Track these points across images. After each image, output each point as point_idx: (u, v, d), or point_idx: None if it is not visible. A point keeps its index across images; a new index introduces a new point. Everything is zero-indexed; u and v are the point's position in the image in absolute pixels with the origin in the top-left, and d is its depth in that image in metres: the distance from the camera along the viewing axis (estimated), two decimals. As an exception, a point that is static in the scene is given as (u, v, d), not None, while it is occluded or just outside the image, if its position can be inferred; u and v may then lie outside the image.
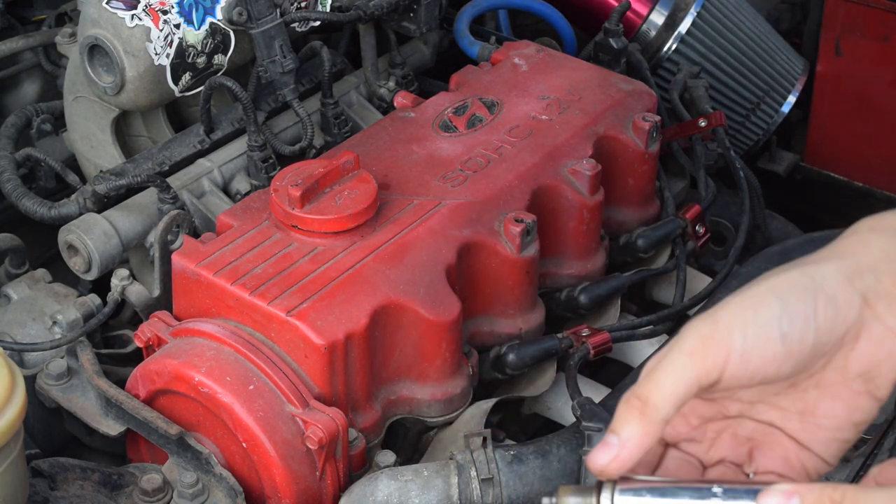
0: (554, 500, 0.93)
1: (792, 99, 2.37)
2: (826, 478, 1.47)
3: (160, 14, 1.63)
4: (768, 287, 0.93)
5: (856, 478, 1.51)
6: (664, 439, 0.99)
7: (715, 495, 0.89)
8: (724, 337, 0.89)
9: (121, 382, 1.48)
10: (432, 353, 1.47)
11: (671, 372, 0.89)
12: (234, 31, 1.71)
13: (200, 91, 1.71)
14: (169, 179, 1.69)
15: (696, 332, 0.90)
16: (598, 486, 0.91)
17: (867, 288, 0.92)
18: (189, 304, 1.49)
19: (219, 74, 1.71)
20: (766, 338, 0.89)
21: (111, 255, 1.64)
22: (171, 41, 1.64)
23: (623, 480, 0.91)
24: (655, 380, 0.89)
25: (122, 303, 1.59)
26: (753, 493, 0.88)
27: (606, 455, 0.90)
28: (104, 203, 1.67)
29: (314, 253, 1.48)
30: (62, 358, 1.52)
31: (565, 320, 1.71)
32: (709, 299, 1.73)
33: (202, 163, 1.76)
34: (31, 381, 1.50)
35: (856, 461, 1.55)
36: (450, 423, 1.52)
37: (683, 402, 0.89)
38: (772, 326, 0.90)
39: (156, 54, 1.63)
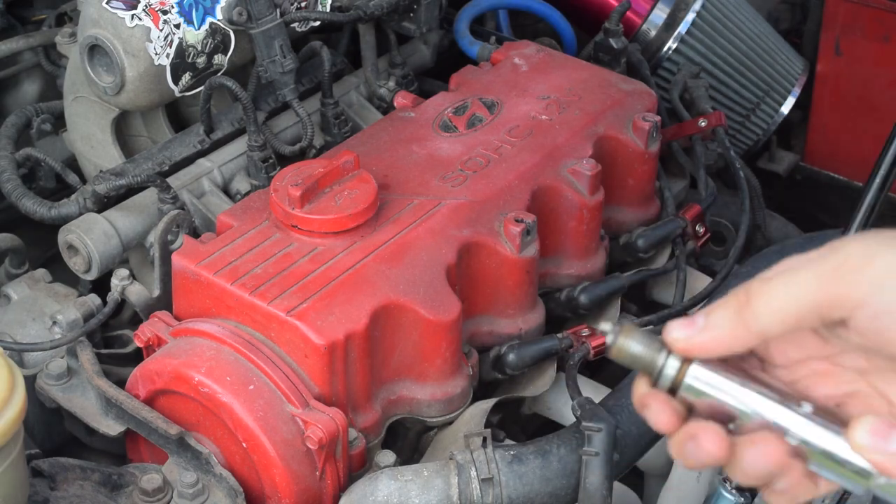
0: (616, 329, 0.84)
1: (792, 99, 2.37)
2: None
3: (160, 14, 1.63)
4: None
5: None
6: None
7: (803, 412, 0.80)
8: (863, 272, 0.76)
9: (121, 382, 1.48)
10: (432, 353, 1.47)
11: (791, 285, 0.77)
12: (234, 31, 1.71)
13: (200, 91, 1.71)
14: (169, 179, 1.69)
15: (838, 255, 0.76)
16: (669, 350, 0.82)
17: None
18: (189, 304, 1.49)
19: (219, 74, 1.71)
20: None
21: (111, 255, 1.64)
22: (171, 41, 1.64)
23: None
24: (771, 286, 0.77)
25: (122, 303, 1.59)
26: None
27: (686, 329, 0.81)
28: (104, 203, 1.67)
29: (314, 253, 1.48)
30: (62, 358, 1.52)
31: (565, 320, 1.71)
32: (708, 299, 1.73)
33: (202, 163, 1.76)
34: (31, 381, 1.50)
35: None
36: (450, 423, 1.52)
37: (793, 326, 0.78)
38: None
39: (156, 54, 1.63)
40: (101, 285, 1.67)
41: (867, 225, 1.59)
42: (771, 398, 0.82)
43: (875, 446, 0.76)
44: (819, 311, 0.77)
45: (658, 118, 1.78)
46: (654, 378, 0.84)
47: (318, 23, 1.82)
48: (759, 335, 0.78)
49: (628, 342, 0.85)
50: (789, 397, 0.82)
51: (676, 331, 0.81)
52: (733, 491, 1.49)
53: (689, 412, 0.84)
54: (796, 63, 2.39)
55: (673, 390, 0.84)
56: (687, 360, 0.82)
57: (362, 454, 1.42)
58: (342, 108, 1.87)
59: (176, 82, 1.67)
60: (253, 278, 1.44)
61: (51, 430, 1.57)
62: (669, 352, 0.83)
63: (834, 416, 0.82)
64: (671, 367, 0.83)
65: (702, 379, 0.82)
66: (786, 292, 0.77)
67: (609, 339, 0.86)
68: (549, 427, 1.63)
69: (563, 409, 1.65)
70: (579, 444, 1.39)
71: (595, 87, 1.83)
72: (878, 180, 1.63)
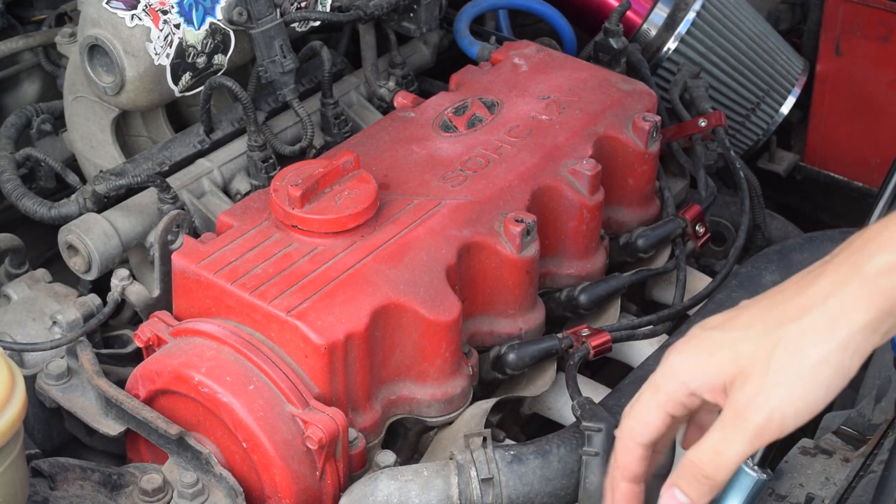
0: None
1: (792, 99, 2.37)
2: (826, 477, 1.48)
3: (160, 14, 1.63)
4: None
5: (856, 477, 1.51)
6: None
7: None
8: None
9: (121, 382, 1.48)
10: (432, 353, 1.47)
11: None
12: (234, 31, 1.71)
13: (200, 91, 1.71)
14: (169, 179, 1.69)
15: None
16: None
17: None
18: (189, 304, 1.49)
19: (219, 74, 1.71)
20: None
21: (111, 255, 1.64)
22: (171, 41, 1.64)
23: None
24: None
25: (122, 303, 1.59)
26: None
27: None
28: (104, 203, 1.67)
29: (314, 253, 1.48)
30: (62, 358, 1.52)
31: (565, 320, 1.71)
32: (708, 299, 1.73)
33: (202, 163, 1.76)
34: (31, 381, 1.50)
35: (856, 461, 1.55)
36: (450, 423, 1.52)
37: None
38: None
39: (156, 54, 1.63)
40: (101, 285, 1.67)
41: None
42: None
43: None
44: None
45: (658, 118, 1.78)
46: None
47: (318, 23, 1.82)
48: None
49: None
50: None
51: None
52: (755, 468, 1.48)
53: None
54: (796, 63, 2.39)
55: None
56: None
57: (362, 454, 1.42)
58: (342, 108, 1.87)
59: (176, 82, 1.67)
60: (253, 278, 1.44)
61: (51, 430, 1.57)
62: None
63: None
64: None
65: None
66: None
67: None
68: (549, 427, 1.63)
69: (563, 409, 1.65)
70: (579, 444, 1.39)
71: (595, 87, 1.83)
72: (893, 182, 1.61)
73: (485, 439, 1.40)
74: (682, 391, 1.00)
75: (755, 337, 0.96)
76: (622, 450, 1.06)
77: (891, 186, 1.58)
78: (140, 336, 1.49)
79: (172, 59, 1.65)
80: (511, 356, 1.57)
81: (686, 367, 1.00)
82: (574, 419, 1.42)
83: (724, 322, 1.00)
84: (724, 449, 0.97)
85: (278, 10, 1.74)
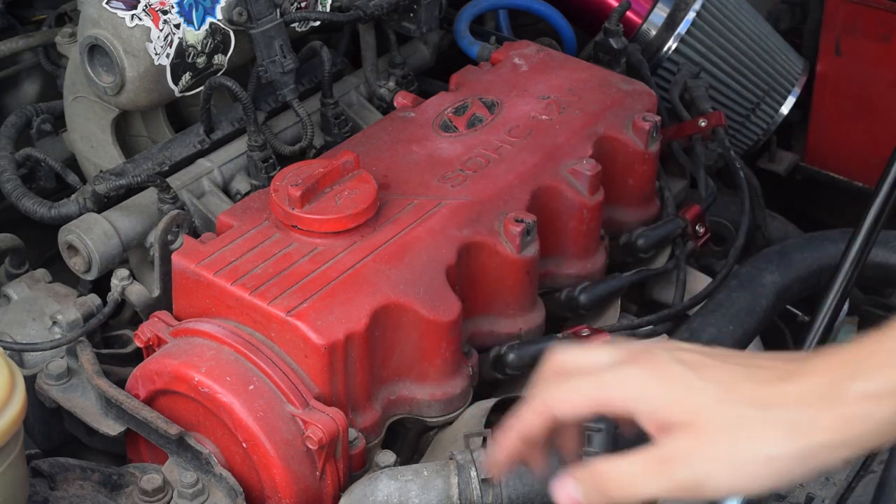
0: None
1: (792, 99, 2.37)
2: (826, 477, 1.48)
3: (160, 14, 1.63)
4: None
5: (856, 477, 1.52)
6: None
7: None
8: None
9: (121, 382, 1.48)
10: (432, 353, 1.47)
11: None
12: (234, 31, 1.71)
13: (200, 91, 1.71)
14: (169, 179, 1.69)
15: None
16: None
17: None
18: (189, 304, 1.49)
19: (219, 74, 1.71)
20: None
21: (111, 255, 1.64)
22: (171, 41, 1.64)
23: None
24: None
25: (122, 303, 1.59)
26: None
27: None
28: (104, 203, 1.67)
29: (314, 253, 1.48)
30: (62, 358, 1.52)
31: (565, 320, 1.71)
32: (708, 299, 1.73)
33: (202, 163, 1.76)
34: (31, 381, 1.50)
35: (856, 461, 1.55)
36: (450, 423, 1.52)
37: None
38: None
39: (156, 54, 1.63)
40: (101, 285, 1.67)
41: (878, 225, 1.58)
42: None
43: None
44: None
45: (658, 118, 1.78)
46: None
47: (318, 23, 1.82)
48: None
49: None
50: None
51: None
52: None
53: None
54: (796, 63, 2.39)
55: None
56: None
57: (362, 454, 1.42)
58: (342, 108, 1.87)
59: (176, 82, 1.67)
60: (253, 278, 1.44)
61: (51, 430, 1.57)
62: None
63: None
64: None
65: None
66: None
67: None
68: (549, 427, 1.63)
69: (563, 409, 1.65)
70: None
71: (595, 87, 1.83)
72: (890, 179, 1.61)
73: (485, 439, 1.40)
74: (621, 403, 0.97)
75: (719, 400, 0.93)
76: (531, 409, 1.01)
77: (885, 186, 1.59)
78: (140, 336, 1.49)
79: (172, 59, 1.65)
80: (511, 356, 1.57)
81: (641, 385, 0.96)
82: (574, 419, 1.42)
83: (697, 365, 0.96)
84: (637, 484, 0.94)
85: (278, 10, 1.74)
